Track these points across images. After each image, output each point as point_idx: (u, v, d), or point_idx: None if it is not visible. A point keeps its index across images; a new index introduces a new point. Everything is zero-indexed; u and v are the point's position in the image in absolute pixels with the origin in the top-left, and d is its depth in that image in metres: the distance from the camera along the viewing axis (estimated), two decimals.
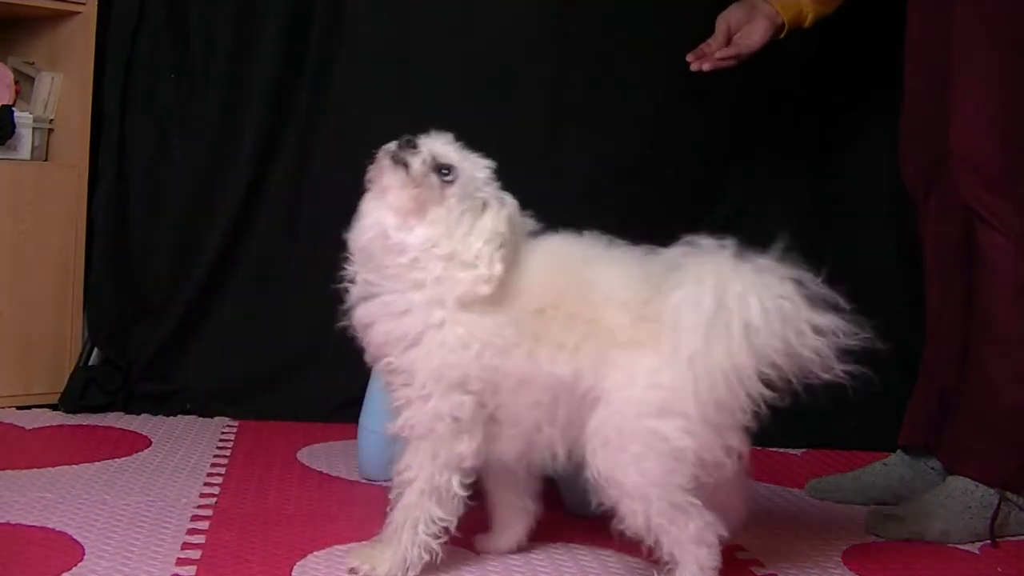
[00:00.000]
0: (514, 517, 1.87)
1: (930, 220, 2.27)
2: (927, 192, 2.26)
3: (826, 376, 1.59)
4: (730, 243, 1.61)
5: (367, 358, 1.75)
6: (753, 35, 2.28)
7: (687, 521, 1.61)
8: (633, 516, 1.62)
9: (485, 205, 1.71)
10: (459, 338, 1.65)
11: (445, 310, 1.66)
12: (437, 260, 1.66)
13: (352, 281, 1.78)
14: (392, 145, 1.71)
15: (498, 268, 1.66)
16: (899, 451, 2.35)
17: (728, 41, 2.28)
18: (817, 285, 1.59)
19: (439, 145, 1.73)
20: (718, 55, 2.29)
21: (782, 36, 2.31)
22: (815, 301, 1.58)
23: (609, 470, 1.61)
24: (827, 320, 1.58)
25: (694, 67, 2.29)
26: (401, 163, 1.69)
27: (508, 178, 2.89)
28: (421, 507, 1.69)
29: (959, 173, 2.09)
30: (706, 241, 1.63)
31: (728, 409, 1.58)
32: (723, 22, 2.29)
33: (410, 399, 1.69)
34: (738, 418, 1.59)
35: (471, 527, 2.01)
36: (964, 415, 2.15)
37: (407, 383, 1.68)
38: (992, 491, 2.09)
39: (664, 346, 1.59)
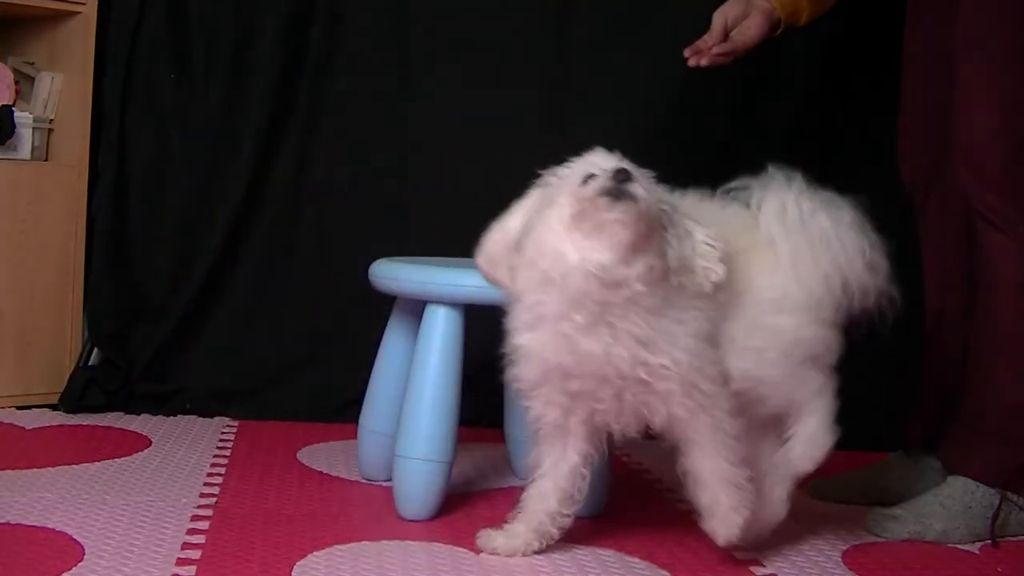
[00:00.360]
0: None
1: (929, 219, 2.27)
2: (927, 191, 2.26)
3: (860, 311, 1.83)
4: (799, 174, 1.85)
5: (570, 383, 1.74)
6: (750, 30, 2.27)
7: (807, 387, 1.84)
8: (769, 399, 1.82)
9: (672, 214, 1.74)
10: (705, 331, 1.74)
11: (686, 314, 1.71)
12: (660, 281, 1.67)
13: (533, 312, 1.73)
14: (604, 180, 1.66)
15: (722, 268, 1.73)
16: (899, 451, 2.35)
17: (725, 37, 2.27)
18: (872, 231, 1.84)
19: (635, 169, 1.70)
20: (715, 51, 2.27)
21: (779, 33, 2.30)
22: (870, 239, 1.83)
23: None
24: (878, 257, 1.83)
25: (692, 63, 2.27)
26: (625, 197, 1.64)
27: (508, 177, 2.92)
28: None
29: (963, 173, 2.08)
30: (778, 172, 1.88)
31: (825, 307, 1.81)
32: (720, 17, 2.27)
33: (673, 392, 1.71)
34: (833, 316, 1.82)
35: (472, 526, 2.01)
36: (966, 415, 2.15)
37: (666, 382, 1.70)
38: (993, 491, 2.09)
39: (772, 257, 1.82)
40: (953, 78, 2.09)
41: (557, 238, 1.67)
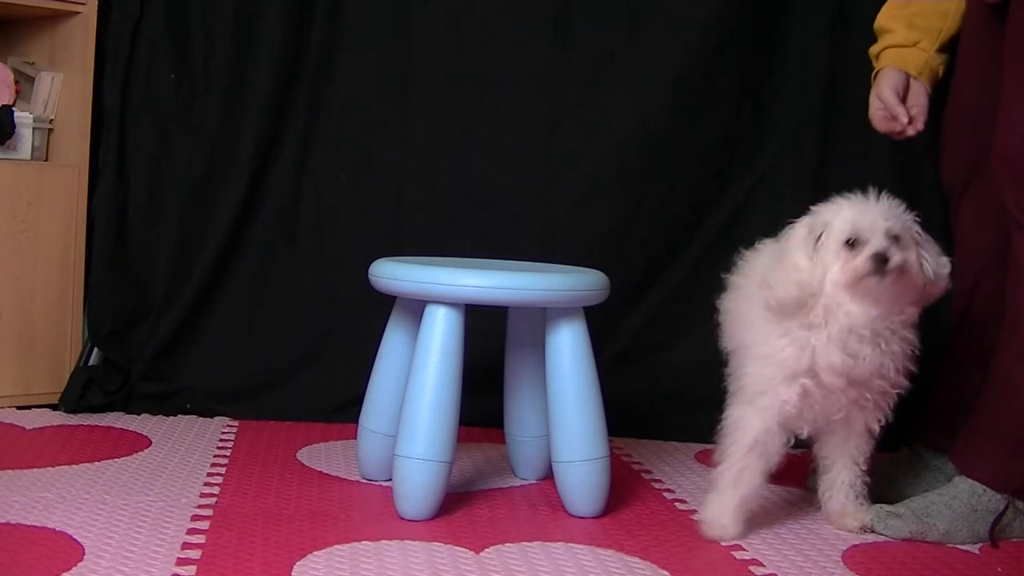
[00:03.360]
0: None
1: (963, 219, 2.26)
2: (962, 191, 2.25)
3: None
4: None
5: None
6: (918, 96, 2.28)
7: None
8: None
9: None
10: None
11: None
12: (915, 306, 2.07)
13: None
14: (869, 261, 1.96)
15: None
16: (906, 447, 2.35)
17: (904, 101, 2.28)
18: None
19: (900, 223, 2.01)
20: (912, 124, 2.27)
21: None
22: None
23: None
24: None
25: (908, 133, 2.29)
26: (890, 274, 1.97)
27: (508, 178, 2.93)
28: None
29: (1002, 177, 2.06)
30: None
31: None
32: (890, 94, 2.26)
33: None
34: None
35: (472, 526, 2.02)
36: (981, 419, 2.13)
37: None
38: (1000, 496, 2.08)
39: None
40: (1001, 82, 2.08)
41: (834, 291, 2.00)
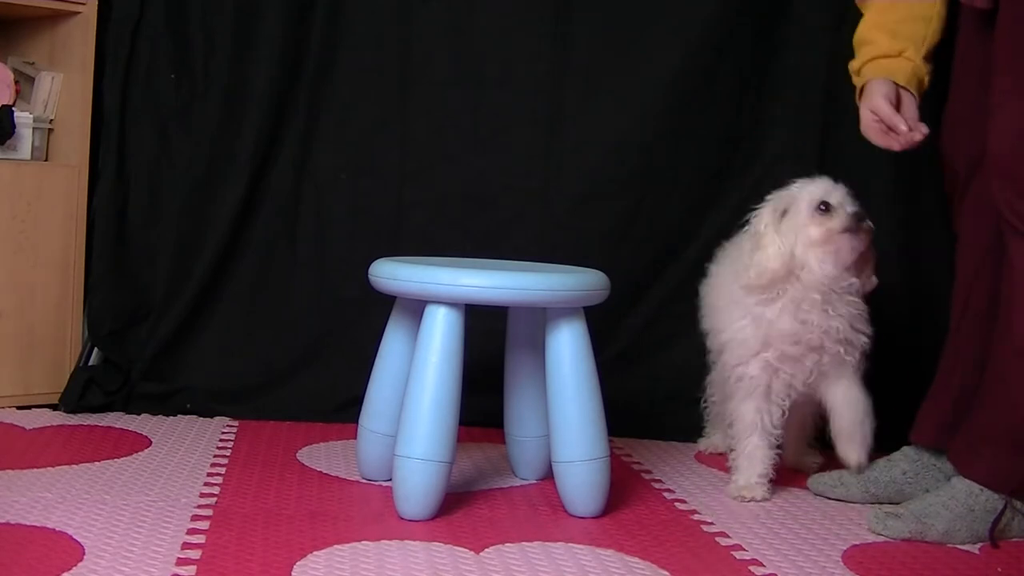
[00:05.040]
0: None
1: (964, 219, 2.26)
2: (963, 191, 2.25)
3: None
4: None
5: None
6: (908, 108, 2.25)
7: None
8: None
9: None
10: None
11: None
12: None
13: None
14: (847, 219, 2.23)
15: None
16: (905, 447, 2.35)
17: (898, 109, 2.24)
18: None
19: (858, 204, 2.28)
20: (907, 131, 2.22)
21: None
22: None
23: None
24: None
25: (914, 140, 2.23)
26: (861, 233, 2.24)
27: (508, 177, 2.92)
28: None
29: (995, 179, 2.06)
30: None
31: None
32: (884, 104, 2.21)
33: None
34: None
35: (472, 526, 2.02)
36: (979, 419, 2.13)
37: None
38: (998, 497, 2.08)
39: None
40: (991, 84, 2.08)
41: (803, 252, 2.25)
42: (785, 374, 2.31)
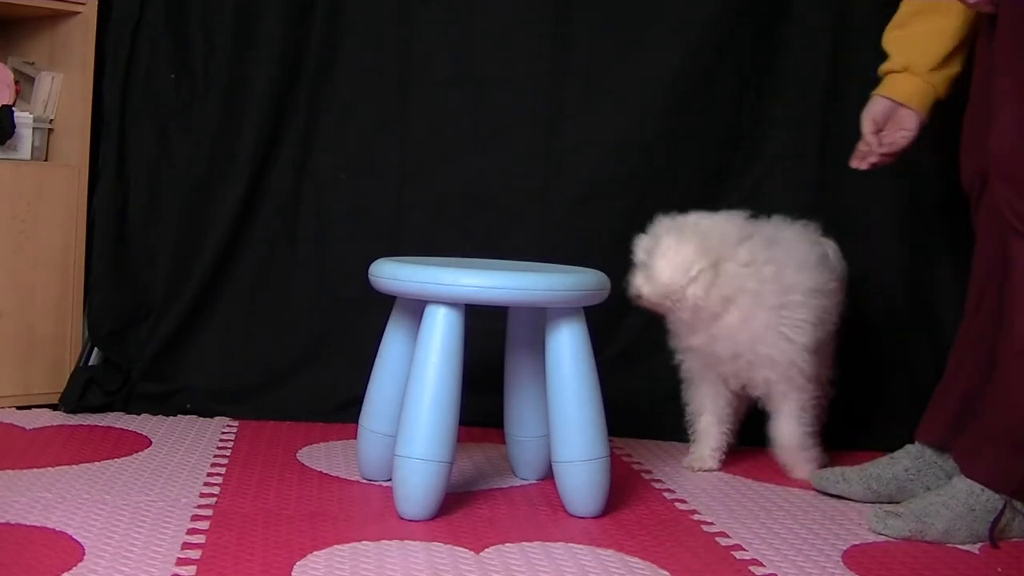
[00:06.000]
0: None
1: (980, 221, 2.26)
2: (980, 192, 2.25)
3: None
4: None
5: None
6: (905, 122, 2.32)
7: None
8: None
9: None
10: None
11: None
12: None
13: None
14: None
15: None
16: (908, 445, 2.35)
17: (878, 133, 2.34)
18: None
19: None
20: (881, 150, 2.35)
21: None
22: None
23: None
24: None
25: (855, 166, 2.39)
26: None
27: (508, 178, 2.92)
28: None
29: (995, 179, 2.07)
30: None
31: None
32: (868, 122, 2.35)
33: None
34: None
35: (472, 526, 2.02)
36: (983, 420, 2.13)
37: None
38: (998, 497, 2.08)
39: None
40: (992, 88, 2.08)
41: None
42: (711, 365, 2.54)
